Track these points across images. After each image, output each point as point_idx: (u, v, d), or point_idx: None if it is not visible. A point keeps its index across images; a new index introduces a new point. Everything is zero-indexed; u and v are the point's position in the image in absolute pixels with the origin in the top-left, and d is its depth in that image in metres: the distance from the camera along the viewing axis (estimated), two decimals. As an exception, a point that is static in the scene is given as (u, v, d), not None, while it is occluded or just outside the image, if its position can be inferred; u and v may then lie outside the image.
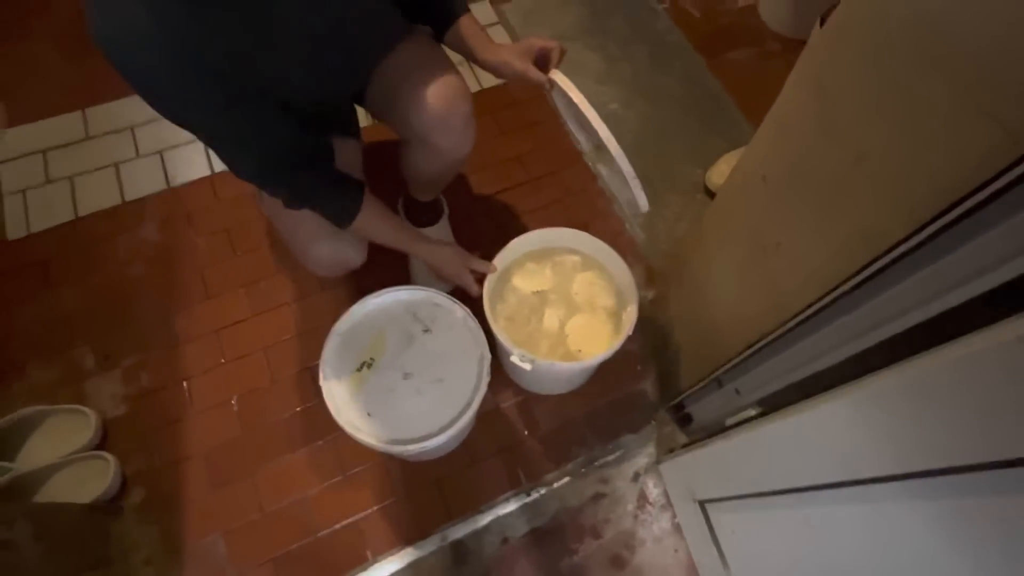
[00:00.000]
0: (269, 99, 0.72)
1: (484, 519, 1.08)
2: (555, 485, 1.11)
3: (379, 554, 1.04)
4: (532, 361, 0.92)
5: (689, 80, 1.57)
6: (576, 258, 1.08)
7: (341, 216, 0.88)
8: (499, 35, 1.63)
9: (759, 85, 1.53)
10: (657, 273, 1.31)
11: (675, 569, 1.05)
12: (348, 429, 0.86)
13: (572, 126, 1.03)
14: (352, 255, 0.96)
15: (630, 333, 0.94)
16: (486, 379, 0.91)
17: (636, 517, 1.09)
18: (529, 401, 1.18)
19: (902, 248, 0.50)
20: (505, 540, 1.06)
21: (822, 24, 0.71)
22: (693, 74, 1.58)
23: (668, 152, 1.45)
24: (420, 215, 1.24)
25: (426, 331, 0.96)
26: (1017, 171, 0.38)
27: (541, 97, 1.53)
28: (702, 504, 0.97)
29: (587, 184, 1.41)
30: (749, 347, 0.80)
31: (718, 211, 0.98)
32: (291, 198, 0.83)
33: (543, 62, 0.88)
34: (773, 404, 0.75)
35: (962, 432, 0.43)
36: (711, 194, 1.39)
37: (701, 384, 0.99)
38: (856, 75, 0.57)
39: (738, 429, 0.82)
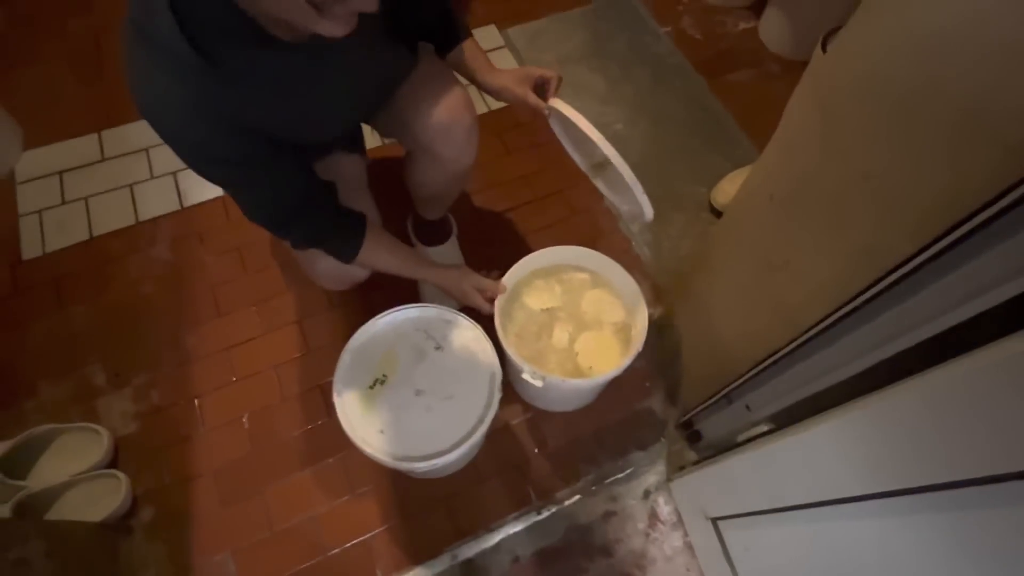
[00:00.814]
0: (285, 149, 0.76)
1: (494, 538, 1.07)
2: (565, 503, 1.11)
3: (389, 573, 1.04)
4: (543, 378, 0.93)
5: (691, 101, 1.60)
6: (585, 275, 1.09)
7: (344, 253, 0.90)
8: (506, 58, 1.67)
9: (760, 106, 1.57)
10: (663, 290, 1.32)
11: (686, 588, 1.04)
12: (361, 446, 0.87)
13: (571, 150, 1.05)
14: (357, 269, 0.98)
15: (640, 349, 0.95)
16: (497, 396, 0.92)
17: (647, 536, 1.09)
18: (538, 418, 1.18)
19: (909, 265, 0.51)
20: (515, 559, 1.06)
21: (824, 48, 0.74)
22: (695, 95, 1.62)
23: (671, 171, 1.47)
24: (429, 234, 1.26)
25: (438, 348, 0.97)
26: (1022, 189, 0.39)
27: (545, 118, 1.55)
28: (714, 521, 0.97)
29: (592, 203, 1.44)
30: (758, 364, 0.81)
31: (725, 229, 0.99)
32: (298, 241, 0.87)
33: (541, 90, 0.91)
34: (785, 420, 0.76)
35: (974, 444, 0.44)
36: (715, 212, 1.41)
37: (710, 401, 0.99)
38: (859, 97, 0.59)
39: (750, 445, 0.82)
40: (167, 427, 1.15)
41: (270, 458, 1.12)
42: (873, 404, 0.54)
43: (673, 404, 1.20)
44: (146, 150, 1.47)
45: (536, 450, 1.15)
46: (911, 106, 0.53)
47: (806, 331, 0.68)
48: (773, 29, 1.68)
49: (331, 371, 0.93)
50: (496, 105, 1.57)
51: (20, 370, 1.19)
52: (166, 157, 1.45)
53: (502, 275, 1.04)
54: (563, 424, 1.18)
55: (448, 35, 0.92)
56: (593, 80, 1.63)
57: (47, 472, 1.08)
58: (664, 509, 1.11)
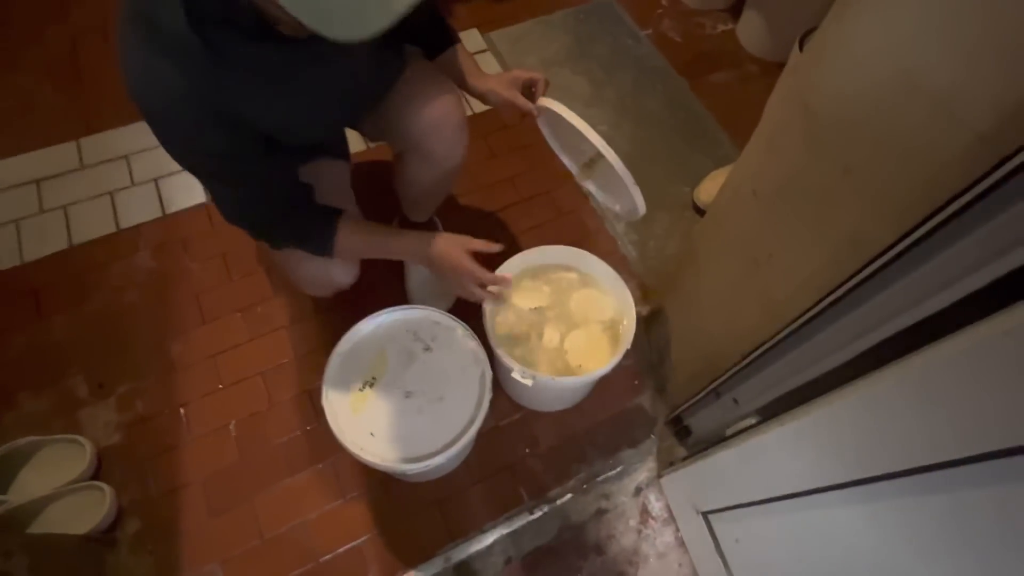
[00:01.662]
0: (273, 148, 0.76)
1: (487, 539, 1.07)
2: (557, 502, 1.11)
3: (382, 578, 1.03)
4: (533, 377, 0.93)
5: (673, 102, 1.63)
6: (573, 275, 1.10)
7: (322, 248, 0.88)
8: (488, 61, 1.68)
9: (740, 105, 1.59)
10: (651, 289, 1.33)
11: (679, 583, 1.05)
12: (352, 450, 0.86)
13: (559, 151, 1.06)
14: (339, 275, 0.97)
15: (628, 347, 0.96)
16: (488, 396, 0.92)
17: (639, 532, 1.09)
18: (528, 418, 1.18)
19: (890, 254, 0.53)
20: (508, 560, 1.06)
21: (801, 48, 0.75)
22: (676, 96, 1.64)
23: (655, 172, 1.49)
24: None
25: (427, 350, 0.97)
26: (995, 176, 0.41)
27: (531, 121, 1.56)
28: (705, 515, 0.98)
29: (578, 204, 1.45)
30: (745, 357, 0.82)
31: (709, 226, 1.01)
32: (277, 241, 0.87)
33: (528, 93, 0.93)
34: (772, 412, 0.77)
35: (958, 426, 0.45)
36: (699, 211, 1.43)
37: (699, 396, 1.00)
38: (837, 94, 0.61)
39: (738, 438, 0.83)
40: (152, 437, 1.13)
41: (259, 465, 1.11)
42: (857, 391, 0.55)
43: (662, 401, 1.21)
44: (126, 157, 1.45)
45: (527, 450, 1.15)
46: (887, 100, 0.54)
47: (791, 322, 0.70)
48: (751, 31, 1.71)
49: (319, 376, 0.92)
50: (481, 108, 1.57)
51: (0, 382, 1.17)
52: (147, 164, 1.44)
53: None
54: (554, 423, 1.18)
55: (437, 40, 0.93)
56: (577, 83, 1.64)
57: (29, 485, 1.05)
58: (655, 505, 1.11)
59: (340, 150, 1.06)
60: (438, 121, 0.91)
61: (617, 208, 1.06)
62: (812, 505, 0.68)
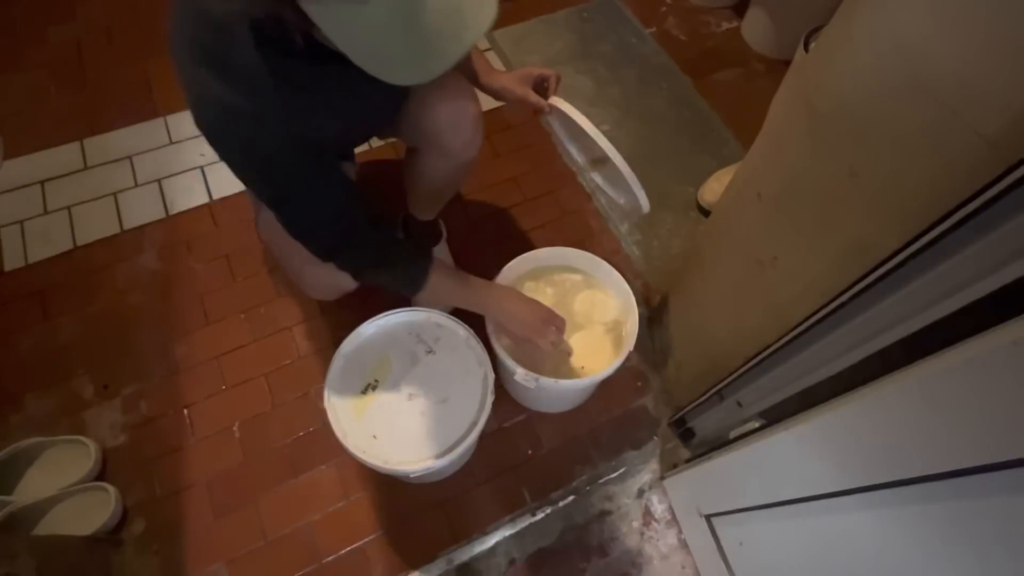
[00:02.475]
0: (333, 161, 0.78)
1: (490, 540, 1.07)
2: (560, 504, 1.11)
3: (385, 579, 1.03)
4: (535, 379, 0.93)
5: (677, 101, 1.61)
6: (577, 277, 1.09)
7: (411, 285, 0.87)
8: (492, 60, 1.66)
9: (745, 104, 1.58)
10: (654, 289, 1.33)
11: (683, 585, 1.05)
12: (354, 452, 0.86)
13: (569, 140, 1.07)
14: (345, 279, 0.97)
15: (631, 349, 0.96)
16: (490, 398, 0.92)
17: (642, 534, 1.09)
18: (531, 420, 1.18)
19: (896, 259, 0.52)
20: (512, 561, 1.06)
21: (806, 47, 0.75)
22: (681, 95, 1.63)
23: (660, 171, 1.48)
24: (420, 236, 1.25)
25: (429, 352, 0.97)
26: (1003, 183, 0.40)
27: (534, 121, 1.56)
28: (708, 518, 0.97)
29: (582, 204, 1.44)
30: (749, 360, 0.82)
31: (714, 228, 1.00)
32: (363, 267, 0.85)
33: (540, 89, 0.93)
34: (776, 415, 0.76)
35: (965, 434, 0.44)
36: (703, 211, 1.42)
37: (702, 398, 1.00)
38: (843, 95, 0.60)
39: (742, 441, 0.83)
40: (157, 438, 1.14)
41: (262, 466, 1.11)
42: (863, 397, 0.55)
43: (666, 402, 1.21)
44: (129, 158, 1.45)
45: (530, 451, 1.15)
46: (894, 103, 0.54)
47: (796, 326, 0.69)
48: (756, 29, 1.70)
49: (322, 377, 0.92)
50: (485, 107, 1.56)
51: (5, 383, 1.17)
52: (150, 164, 1.44)
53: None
54: (557, 425, 1.18)
55: None
56: (581, 82, 1.64)
57: (35, 486, 1.06)
58: (658, 507, 1.11)
59: (349, 152, 1.06)
60: (456, 116, 0.92)
61: (622, 202, 1.06)
62: (816, 511, 0.67)
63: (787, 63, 0.75)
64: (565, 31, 1.74)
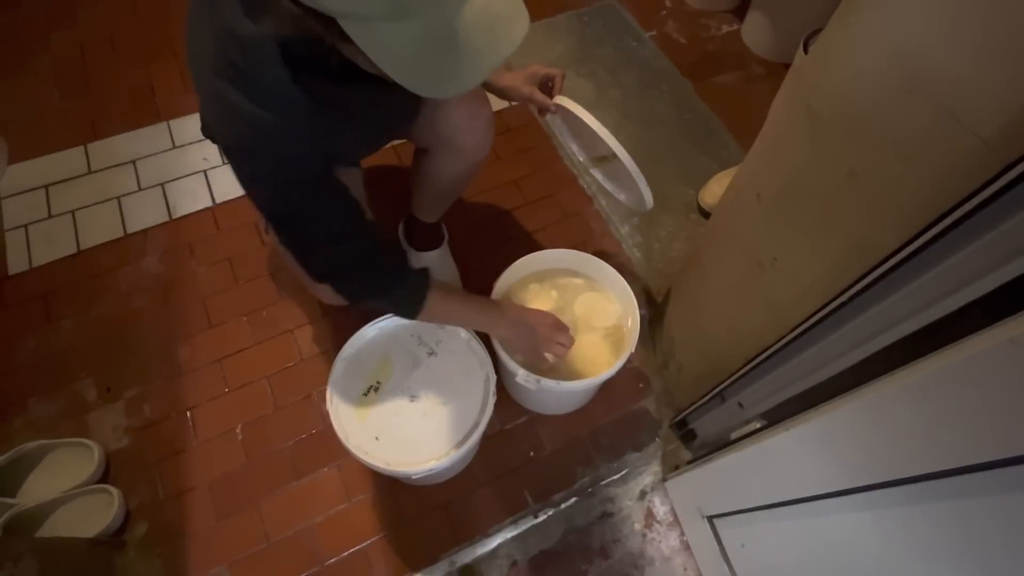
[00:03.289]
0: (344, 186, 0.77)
1: (491, 542, 1.07)
2: (562, 506, 1.11)
3: (387, 581, 1.03)
4: (537, 381, 0.93)
5: (677, 104, 1.62)
6: (579, 280, 1.10)
7: (408, 308, 0.84)
8: (492, 65, 1.68)
9: (745, 107, 1.59)
10: (655, 292, 1.33)
11: (685, 587, 1.05)
12: (357, 454, 0.86)
13: (569, 139, 1.09)
14: None
15: (633, 350, 0.96)
16: (492, 400, 0.92)
17: (644, 536, 1.09)
18: (533, 422, 1.18)
19: (895, 259, 0.52)
20: (513, 563, 1.06)
21: (806, 50, 0.75)
22: (681, 98, 1.63)
23: (660, 174, 1.49)
24: (422, 238, 1.26)
25: (431, 354, 0.97)
26: (1000, 182, 0.41)
27: (535, 124, 1.57)
28: (710, 520, 0.97)
29: (583, 206, 1.45)
30: (750, 361, 0.82)
31: (714, 229, 1.00)
32: (358, 296, 0.82)
33: (545, 88, 0.95)
34: (777, 416, 0.76)
35: (966, 432, 0.44)
36: (704, 213, 1.42)
37: (704, 400, 1.00)
38: (842, 96, 0.60)
39: (743, 442, 0.83)
40: (160, 440, 1.14)
41: (265, 469, 1.12)
42: (864, 397, 0.55)
43: (667, 404, 1.21)
44: (133, 162, 1.46)
45: (532, 453, 1.15)
46: (892, 105, 0.54)
47: (796, 327, 0.69)
48: (756, 32, 1.70)
49: (324, 380, 0.93)
50: (486, 110, 1.57)
51: (9, 386, 1.18)
52: (153, 168, 1.45)
53: None
54: (558, 427, 1.18)
55: None
56: (582, 85, 1.64)
57: (38, 489, 1.06)
58: (660, 509, 1.11)
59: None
60: (470, 116, 0.94)
61: (622, 197, 1.07)
62: (818, 511, 0.68)
63: (787, 66, 0.75)
64: (566, 34, 1.75)
